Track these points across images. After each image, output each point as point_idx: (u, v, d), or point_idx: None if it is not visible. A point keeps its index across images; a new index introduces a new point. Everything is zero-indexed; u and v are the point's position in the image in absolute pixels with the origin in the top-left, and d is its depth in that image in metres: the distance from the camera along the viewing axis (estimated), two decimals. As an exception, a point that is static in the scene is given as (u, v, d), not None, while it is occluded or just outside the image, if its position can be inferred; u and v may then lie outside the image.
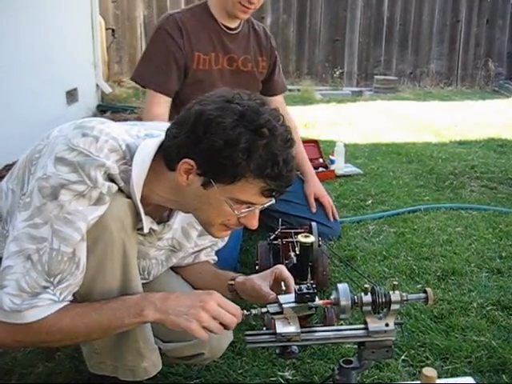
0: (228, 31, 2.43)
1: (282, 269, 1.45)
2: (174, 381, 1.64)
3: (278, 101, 2.64)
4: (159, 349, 1.40)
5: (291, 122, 2.56)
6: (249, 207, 1.23)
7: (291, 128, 1.25)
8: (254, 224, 1.27)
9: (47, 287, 1.14)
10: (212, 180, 1.19)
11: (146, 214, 1.26)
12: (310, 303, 1.24)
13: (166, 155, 1.23)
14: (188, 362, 1.54)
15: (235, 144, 1.14)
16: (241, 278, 1.49)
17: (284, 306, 1.24)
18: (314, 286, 1.25)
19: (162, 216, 1.38)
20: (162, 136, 1.26)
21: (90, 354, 1.34)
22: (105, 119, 1.30)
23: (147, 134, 1.29)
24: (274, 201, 1.26)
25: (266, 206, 1.26)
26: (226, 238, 1.60)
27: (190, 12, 2.41)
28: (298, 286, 1.26)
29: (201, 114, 1.18)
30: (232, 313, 1.22)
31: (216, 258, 1.66)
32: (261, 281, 1.44)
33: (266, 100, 1.25)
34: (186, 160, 1.18)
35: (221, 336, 1.45)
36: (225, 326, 1.21)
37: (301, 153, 2.73)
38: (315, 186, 2.70)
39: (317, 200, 2.65)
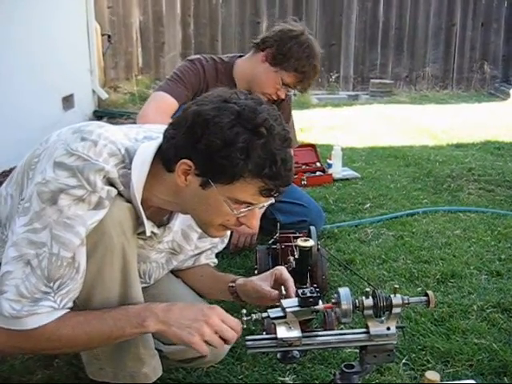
0: None
1: (281, 270, 1.45)
2: (173, 387, 1.63)
3: None
4: (161, 351, 1.39)
5: None
6: (248, 207, 1.22)
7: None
8: (253, 224, 1.26)
9: (47, 293, 1.13)
10: (210, 180, 1.18)
11: (146, 217, 1.25)
12: (313, 307, 1.23)
13: (164, 157, 1.22)
14: (189, 364, 1.52)
15: (233, 144, 1.13)
16: (241, 280, 1.49)
17: (287, 310, 1.23)
18: (317, 289, 1.24)
19: (162, 219, 1.37)
20: (161, 138, 1.25)
21: (89, 360, 1.33)
22: (103, 123, 1.29)
23: (146, 137, 1.28)
24: (273, 200, 1.25)
25: (265, 205, 1.25)
26: (226, 240, 1.60)
27: (215, 66, 2.46)
28: (301, 290, 1.25)
29: (198, 114, 1.17)
30: (233, 328, 1.22)
31: (216, 260, 1.65)
32: (261, 281, 1.43)
33: (263, 99, 1.23)
34: (184, 161, 1.18)
35: None
36: (225, 341, 1.21)
37: None
38: None
39: None
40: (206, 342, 1.19)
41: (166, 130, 1.24)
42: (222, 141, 1.13)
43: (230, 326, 1.21)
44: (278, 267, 1.47)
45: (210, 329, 1.19)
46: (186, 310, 1.22)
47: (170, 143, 1.21)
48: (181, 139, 1.18)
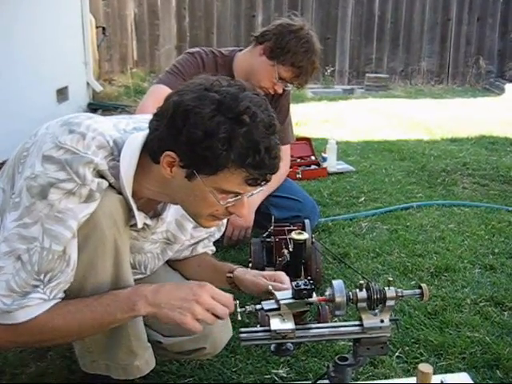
0: None
1: (281, 277, 1.42)
2: (167, 379, 1.63)
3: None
4: (160, 343, 1.39)
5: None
6: (236, 196, 1.20)
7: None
8: (243, 212, 1.25)
9: (37, 286, 1.12)
10: (195, 171, 1.16)
11: (138, 209, 1.24)
12: (306, 299, 1.23)
13: (150, 149, 1.21)
14: (188, 356, 1.52)
15: (214, 134, 1.11)
16: (239, 270, 1.48)
17: (281, 302, 1.23)
18: (311, 281, 1.24)
19: (155, 209, 1.36)
20: None
21: (82, 353, 1.33)
22: (92, 114, 1.28)
23: (135, 128, 1.27)
24: (262, 188, 1.24)
25: (254, 193, 1.24)
26: (223, 228, 1.59)
27: (215, 59, 2.44)
28: (295, 282, 1.24)
29: (178, 105, 1.15)
30: (224, 304, 1.21)
31: (214, 248, 1.64)
32: (258, 275, 1.43)
33: (248, 85, 1.21)
34: (168, 153, 1.16)
35: (222, 331, 1.44)
36: (217, 317, 1.21)
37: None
38: None
39: None
40: (199, 320, 1.18)
41: (151, 121, 1.22)
42: (203, 132, 1.11)
43: (221, 302, 1.20)
44: (278, 272, 1.44)
45: (202, 307, 1.18)
46: (176, 290, 1.21)
47: (154, 135, 1.19)
48: (163, 131, 1.17)
